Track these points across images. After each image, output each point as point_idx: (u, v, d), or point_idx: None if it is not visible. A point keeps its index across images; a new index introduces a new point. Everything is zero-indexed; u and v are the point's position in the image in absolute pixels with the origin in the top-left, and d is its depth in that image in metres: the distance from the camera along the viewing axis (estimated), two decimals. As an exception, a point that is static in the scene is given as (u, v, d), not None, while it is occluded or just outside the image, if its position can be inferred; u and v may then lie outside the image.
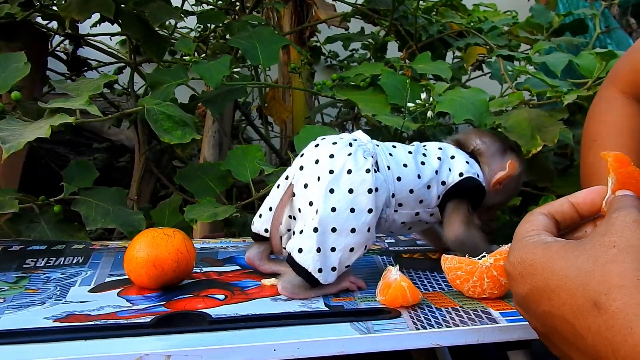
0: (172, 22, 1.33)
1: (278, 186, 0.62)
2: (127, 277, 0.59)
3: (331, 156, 0.57)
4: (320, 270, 0.54)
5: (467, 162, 0.64)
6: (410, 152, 0.62)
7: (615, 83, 0.68)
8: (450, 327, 0.47)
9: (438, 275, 0.63)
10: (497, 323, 0.48)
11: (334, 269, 0.55)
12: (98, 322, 0.48)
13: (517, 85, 1.10)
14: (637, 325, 0.32)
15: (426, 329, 0.47)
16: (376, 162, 0.59)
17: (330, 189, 0.55)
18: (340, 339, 0.45)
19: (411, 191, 0.60)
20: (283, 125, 1.50)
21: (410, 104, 0.92)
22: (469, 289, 0.54)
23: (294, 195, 0.58)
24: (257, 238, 0.63)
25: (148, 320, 0.49)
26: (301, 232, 0.56)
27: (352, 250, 0.55)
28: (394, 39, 1.35)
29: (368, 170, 0.56)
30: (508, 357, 0.59)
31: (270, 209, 0.60)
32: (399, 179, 0.59)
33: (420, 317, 0.49)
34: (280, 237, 0.60)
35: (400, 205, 0.60)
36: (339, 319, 0.49)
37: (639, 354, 0.31)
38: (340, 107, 1.59)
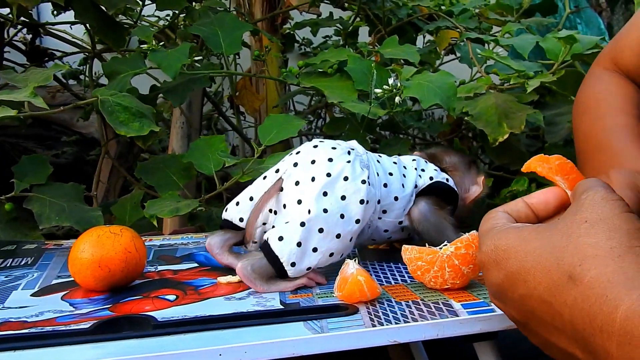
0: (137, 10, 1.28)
1: (265, 177, 0.60)
2: (74, 279, 0.56)
3: (330, 160, 0.57)
4: (293, 265, 0.54)
5: (436, 170, 0.65)
6: (395, 163, 0.63)
7: (599, 63, 0.69)
8: (409, 322, 0.45)
9: (402, 267, 0.61)
10: (457, 316, 0.46)
11: (309, 269, 0.55)
12: (33, 330, 0.45)
13: (487, 68, 1.08)
14: (611, 293, 0.31)
15: (383, 325, 0.44)
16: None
17: (324, 191, 0.55)
18: (291, 340, 0.42)
19: (396, 198, 0.61)
20: (257, 115, 1.46)
21: (377, 90, 0.89)
22: (431, 280, 0.52)
23: (281, 190, 0.57)
24: (227, 226, 0.61)
25: (88, 326, 0.45)
26: (286, 222, 0.55)
27: (331, 255, 0.55)
28: (363, 24, 1.32)
29: (364, 182, 0.56)
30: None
31: (251, 198, 0.59)
32: (385, 185, 0.60)
33: (378, 312, 0.47)
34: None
35: (384, 212, 0.60)
36: (292, 317, 0.46)
37: (614, 322, 0.30)
38: (312, 95, 1.56)
